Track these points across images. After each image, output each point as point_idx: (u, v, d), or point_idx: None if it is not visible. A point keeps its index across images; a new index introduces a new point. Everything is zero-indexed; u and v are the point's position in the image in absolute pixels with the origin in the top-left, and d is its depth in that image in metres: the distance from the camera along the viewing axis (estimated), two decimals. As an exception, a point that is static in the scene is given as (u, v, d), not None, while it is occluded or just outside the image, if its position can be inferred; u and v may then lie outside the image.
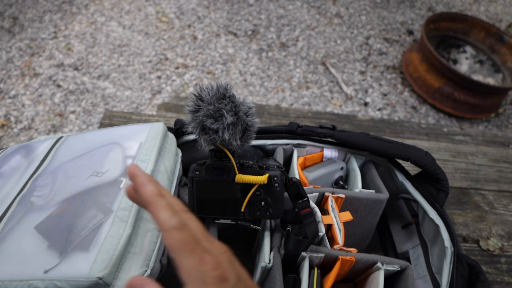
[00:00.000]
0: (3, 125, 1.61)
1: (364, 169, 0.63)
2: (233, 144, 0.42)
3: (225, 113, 0.40)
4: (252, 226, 0.48)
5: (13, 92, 1.74)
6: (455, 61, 2.18)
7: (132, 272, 0.40)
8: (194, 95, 0.42)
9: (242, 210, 0.46)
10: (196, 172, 0.47)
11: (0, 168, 0.57)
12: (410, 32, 2.50)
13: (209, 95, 0.41)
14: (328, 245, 0.48)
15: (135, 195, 0.32)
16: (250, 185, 0.45)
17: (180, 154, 0.56)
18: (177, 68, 1.99)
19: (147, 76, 1.92)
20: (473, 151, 1.00)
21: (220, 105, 0.40)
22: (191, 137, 0.59)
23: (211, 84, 0.41)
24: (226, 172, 0.45)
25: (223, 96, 0.41)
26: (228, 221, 0.48)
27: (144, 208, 0.31)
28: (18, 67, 1.85)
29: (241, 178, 0.45)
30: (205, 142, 0.42)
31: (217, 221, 0.48)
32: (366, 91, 2.06)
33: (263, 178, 0.44)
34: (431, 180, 0.57)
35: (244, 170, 0.45)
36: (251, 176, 0.44)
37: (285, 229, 0.49)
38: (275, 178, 0.45)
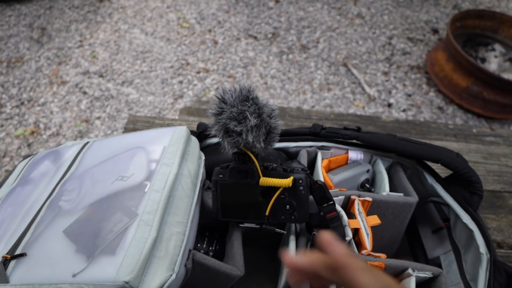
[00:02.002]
0: (33, 132, 1.67)
1: (391, 171, 0.61)
2: (256, 147, 0.41)
3: (249, 115, 0.40)
4: (277, 230, 0.47)
5: (42, 100, 1.81)
6: (483, 60, 2.10)
7: (157, 276, 0.40)
8: (217, 97, 0.41)
9: (267, 214, 0.46)
10: (220, 176, 0.46)
11: (30, 174, 0.58)
12: (435, 31, 2.43)
13: (232, 97, 0.40)
14: (355, 250, 0.47)
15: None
16: (274, 189, 0.45)
17: (203, 157, 0.56)
18: (198, 72, 2.01)
19: (169, 81, 1.95)
20: (506, 153, 0.96)
21: (244, 107, 0.40)
22: (214, 140, 0.59)
23: (234, 87, 0.41)
24: (250, 175, 0.45)
25: (246, 98, 0.40)
26: (252, 225, 0.48)
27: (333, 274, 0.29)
28: (46, 76, 1.92)
29: (265, 181, 0.44)
30: (229, 145, 0.42)
31: (241, 225, 0.48)
32: (390, 92, 2.02)
33: (287, 181, 0.43)
34: (463, 182, 0.54)
35: (268, 173, 0.45)
36: (275, 179, 0.44)
37: (311, 234, 0.47)
38: (300, 181, 0.44)
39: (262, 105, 0.41)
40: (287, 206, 0.45)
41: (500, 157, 0.94)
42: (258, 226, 0.48)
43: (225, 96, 0.41)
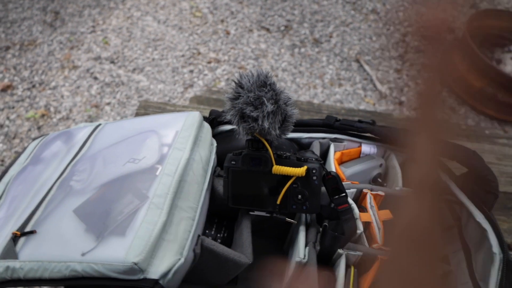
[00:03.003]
0: (43, 115, 1.68)
1: (406, 167, 0.60)
2: (271, 134, 0.41)
3: (266, 101, 0.39)
4: (287, 219, 0.47)
5: (53, 84, 1.81)
6: (498, 61, 2.06)
7: (166, 259, 0.40)
8: (234, 82, 0.41)
9: (278, 202, 0.45)
10: (232, 162, 0.46)
11: (41, 154, 0.58)
12: (451, 30, 2.39)
13: (249, 82, 0.40)
14: (366, 243, 0.46)
15: None
16: (287, 177, 0.44)
17: (215, 144, 0.55)
18: (209, 62, 2.00)
19: (180, 70, 1.94)
20: (520, 154, 0.94)
21: (261, 92, 0.39)
22: (226, 127, 0.58)
23: (251, 71, 0.40)
24: (263, 162, 0.44)
25: (264, 83, 0.40)
26: (263, 213, 0.47)
27: None
28: (58, 60, 1.93)
29: (278, 169, 0.43)
30: (244, 130, 0.42)
31: (251, 213, 0.47)
32: (402, 90, 1.99)
33: (301, 170, 0.42)
34: (479, 181, 0.53)
35: (281, 161, 0.44)
36: (288, 167, 0.43)
37: (321, 225, 0.47)
38: (314, 171, 0.43)
39: (280, 91, 0.40)
40: (299, 196, 0.45)
41: (514, 159, 0.92)
42: (268, 215, 0.47)
43: (242, 81, 0.40)
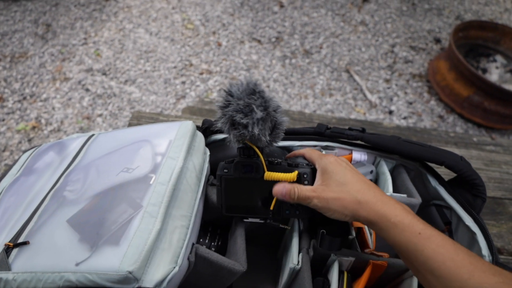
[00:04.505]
0: (34, 127, 1.67)
1: (394, 173, 0.61)
2: (262, 140, 0.42)
3: (255, 108, 0.40)
4: (281, 225, 0.47)
5: (44, 96, 1.81)
6: (484, 70, 2.11)
7: (161, 268, 0.40)
8: (224, 90, 0.42)
9: (271, 208, 0.46)
10: (225, 170, 0.47)
11: (34, 164, 0.58)
12: (437, 41, 2.45)
13: (239, 90, 0.41)
14: (358, 248, 0.47)
15: None
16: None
17: (208, 153, 0.56)
18: (201, 73, 2.02)
19: (172, 81, 1.95)
20: (507, 160, 0.96)
21: (250, 100, 0.40)
22: (219, 136, 0.59)
23: (241, 80, 0.41)
24: (254, 169, 0.45)
25: (253, 91, 0.40)
26: (257, 220, 0.48)
27: None
28: (49, 72, 1.92)
29: (270, 175, 0.44)
30: (234, 137, 0.42)
31: (245, 220, 0.48)
32: (391, 99, 2.02)
33: (292, 176, 0.43)
34: (467, 185, 0.54)
35: (273, 167, 0.45)
36: (280, 173, 0.44)
37: (315, 230, 0.47)
38: (305, 176, 0.44)
39: (269, 98, 0.41)
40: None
41: (501, 165, 0.94)
42: (262, 221, 0.48)
43: (232, 89, 0.41)
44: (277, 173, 0.44)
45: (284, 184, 0.43)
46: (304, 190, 0.42)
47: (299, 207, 0.45)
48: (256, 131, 0.40)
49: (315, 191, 0.41)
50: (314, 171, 0.45)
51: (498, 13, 2.79)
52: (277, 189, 0.43)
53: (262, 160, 0.44)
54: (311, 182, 0.45)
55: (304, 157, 0.49)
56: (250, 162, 0.45)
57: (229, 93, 0.41)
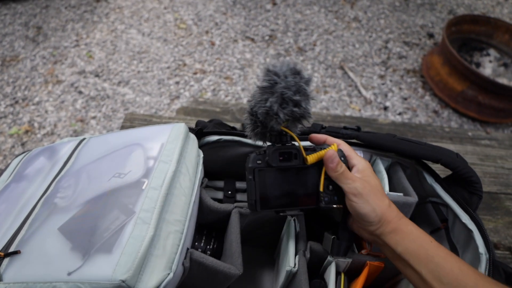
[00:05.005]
0: (27, 131, 1.65)
1: (390, 171, 0.60)
2: (305, 120, 0.40)
3: (304, 86, 0.38)
4: (335, 206, 0.44)
5: (36, 99, 1.79)
6: (478, 64, 2.12)
7: (155, 275, 0.39)
8: (268, 70, 0.39)
9: (321, 189, 0.43)
10: (258, 162, 0.42)
11: (25, 170, 0.57)
12: (431, 35, 2.45)
13: (282, 70, 0.39)
14: (355, 249, 0.46)
15: None
16: (319, 167, 0.43)
17: (201, 155, 0.55)
18: (195, 73, 2.01)
19: (166, 82, 1.94)
20: (502, 155, 0.96)
21: (295, 79, 0.38)
22: (213, 138, 0.58)
23: (280, 61, 0.40)
24: (293, 156, 0.42)
25: (297, 71, 0.39)
26: (295, 212, 0.44)
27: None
28: (41, 75, 1.90)
29: (312, 157, 0.42)
30: (285, 116, 0.39)
31: (282, 214, 0.45)
32: (386, 95, 2.02)
33: (334, 147, 0.42)
34: (463, 183, 0.54)
35: (307, 152, 0.43)
36: (321, 151, 0.42)
37: (316, 233, 0.47)
38: (342, 158, 0.43)
39: (310, 80, 0.40)
40: (330, 186, 0.43)
41: (496, 159, 0.94)
42: (301, 213, 0.45)
43: (275, 69, 0.39)
44: (318, 152, 0.42)
45: (336, 152, 0.42)
46: (348, 171, 0.41)
47: (337, 194, 0.43)
48: (309, 107, 0.39)
49: (358, 177, 0.41)
50: (346, 161, 0.44)
51: (490, 6, 2.80)
52: (330, 153, 0.41)
53: (300, 145, 0.42)
54: (347, 162, 0.44)
55: (329, 145, 0.47)
56: (288, 148, 0.42)
57: (274, 72, 0.39)
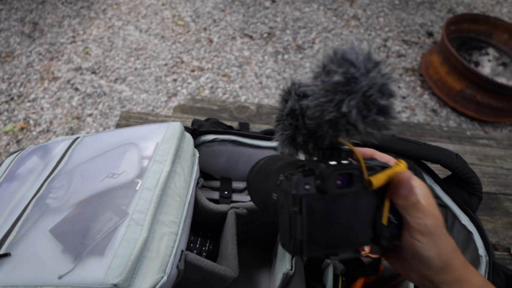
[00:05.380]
0: (22, 128, 1.63)
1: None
2: (389, 132, 0.28)
3: (390, 87, 0.27)
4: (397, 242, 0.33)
5: (32, 96, 1.77)
6: (476, 64, 2.11)
7: (148, 278, 0.38)
8: (342, 57, 0.27)
9: (385, 223, 0.31)
10: (306, 187, 0.29)
11: (17, 170, 0.56)
12: (430, 34, 2.44)
13: (358, 59, 0.27)
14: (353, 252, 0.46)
15: None
16: (376, 192, 0.31)
17: (197, 155, 0.54)
18: (192, 71, 1.99)
19: (163, 79, 1.93)
20: (501, 155, 0.96)
21: (379, 74, 0.27)
22: (209, 137, 0.57)
23: (353, 47, 0.27)
24: (355, 178, 0.30)
25: (376, 63, 0.27)
26: (350, 255, 0.32)
27: None
28: (37, 71, 1.88)
29: (378, 179, 0.30)
30: (365, 128, 0.27)
31: (334, 259, 0.36)
32: (384, 94, 2.01)
33: (402, 166, 0.31)
34: (463, 184, 0.53)
35: (369, 173, 0.31)
36: (387, 170, 0.30)
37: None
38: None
39: (392, 76, 0.28)
40: (392, 217, 0.32)
41: (495, 159, 0.94)
42: (357, 255, 0.33)
43: (350, 56, 0.26)
44: (384, 172, 0.30)
45: (411, 174, 0.31)
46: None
47: (399, 227, 0.32)
48: (396, 115, 0.28)
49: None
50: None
51: (489, 5, 2.79)
52: (406, 176, 0.31)
53: (362, 164, 0.30)
54: None
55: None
56: (349, 168, 0.30)
57: (351, 62, 0.26)
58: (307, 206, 0.29)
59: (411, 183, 0.31)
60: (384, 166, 0.32)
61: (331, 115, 0.27)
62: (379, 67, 0.27)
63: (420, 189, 0.32)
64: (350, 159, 0.31)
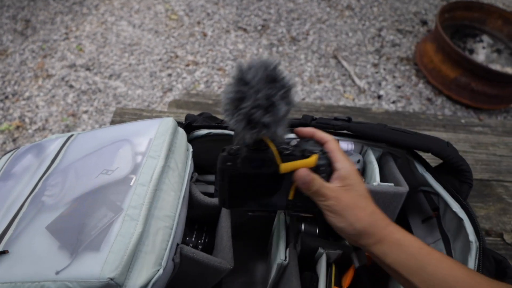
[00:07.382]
0: (18, 127, 1.63)
1: (382, 161, 0.60)
2: (282, 138, 0.35)
3: (279, 103, 0.31)
4: (304, 215, 0.43)
5: (27, 94, 1.77)
6: (471, 51, 2.11)
7: (144, 272, 0.39)
8: (237, 76, 0.32)
9: (291, 198, 0.41)
10: (228, 163, 0.39)
11: (12, 168, 0.56)
12: (424, 22, 2.44)
13: (254, 77, 0.31)
14: (346, 241, 0.47)
15: None
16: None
17: (191, 149, 0.54)
18: (187, 65, 1.99)
19: (158, 74, 1.92)
20: (494, 142, 0.97)
21: (271, 90, 0.31)
22: (202, 132, 0.58)
23: (256, 62, 0.32)
24: (266, 163, 0.38)
25: (274, 78, 0.31)
26: (265, 213, 0.43)
27: None
28: (31, 69, 1.87)
29: (286, 167, 0.38)
30: (251, 138, 0.34)
31: (251, 213, 0.43)
32: (380, 84, 2.02)
33: (312, 160, 0.38)
34: (454, 172, 0.54)
35: (286, 158, 0.38)
36: (297, 161, 0.38)
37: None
38: (322, 168, 0.39)
39: (292, 86, 0.32)
40: (303, 194, 0.39)
41: (488, 146, 0.94)
42: (273, 214, 0.44)
43: (246, 75, 0.31)
44: (294, 162, 0.38)
45: (309, 172, 0.38)
46: (324, 186, 0.38)
47: (311, 201, 0.40)
48: (280, 131, 0.33)
49: (334, 192, 0.38)
50: (330, 164, 0.40)
51: (483, -8, 2.79)
52: (301, 175, 0.38)
53: (276, 154, 0.37)
54: (327, 177, 0.39)
55: (315, 141, 0.42)
56: (260, 156, 0.38)
57: (243, 81, 0.31)
58: (228, 177, 0.40)
59: (307, 179, 0.38)
60: (308, 153, 0.39)
61: (231, 126, 0.34)
62: (276, 82, 0.31)
63: (340, 164, 0.39)
64: (275, 149, 0.38)
